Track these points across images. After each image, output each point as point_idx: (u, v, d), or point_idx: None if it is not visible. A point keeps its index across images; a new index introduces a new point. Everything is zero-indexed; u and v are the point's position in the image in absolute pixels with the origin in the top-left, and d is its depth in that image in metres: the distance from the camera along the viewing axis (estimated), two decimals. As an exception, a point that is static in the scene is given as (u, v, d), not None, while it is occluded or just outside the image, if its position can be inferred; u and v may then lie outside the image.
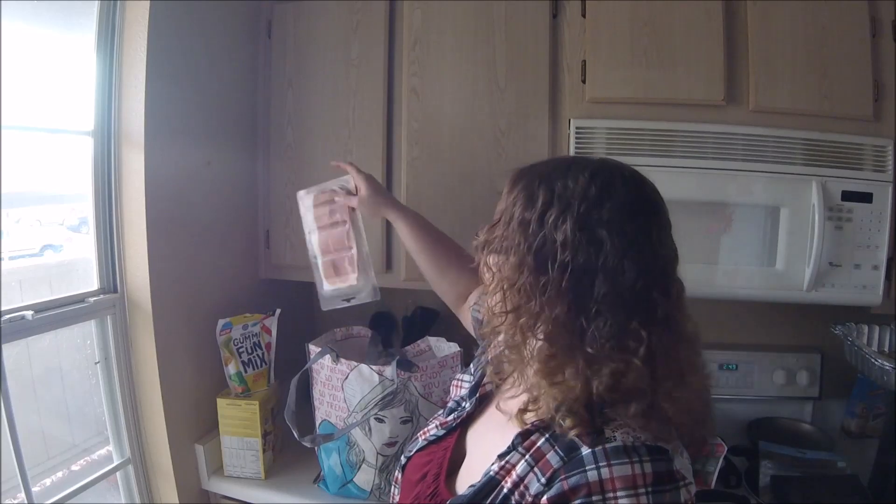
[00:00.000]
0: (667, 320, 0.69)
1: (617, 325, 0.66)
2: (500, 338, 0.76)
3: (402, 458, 0.92)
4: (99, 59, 1.35)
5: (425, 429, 0.93)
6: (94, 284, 1.40)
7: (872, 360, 1.44)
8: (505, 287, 0.73)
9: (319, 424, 1.49)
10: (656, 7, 1.46)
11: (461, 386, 0.96)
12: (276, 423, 1.58)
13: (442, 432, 0.89)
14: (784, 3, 1.43)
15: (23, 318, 1.20)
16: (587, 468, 0.64)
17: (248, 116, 1.71)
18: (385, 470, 1.42)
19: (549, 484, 0.66)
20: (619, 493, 0.62)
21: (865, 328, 1.63)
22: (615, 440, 0.65)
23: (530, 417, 0.72)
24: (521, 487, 0.68)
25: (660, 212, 0.74)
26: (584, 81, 1.51)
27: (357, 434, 1.42)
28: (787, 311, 1.73)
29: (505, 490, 0.69)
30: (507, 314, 0.73)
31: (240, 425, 1.51)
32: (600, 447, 0.64)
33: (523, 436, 0.72)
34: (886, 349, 1.62)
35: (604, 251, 0.67)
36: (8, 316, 1.17)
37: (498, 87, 1.54)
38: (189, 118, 1.49)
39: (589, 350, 0.67)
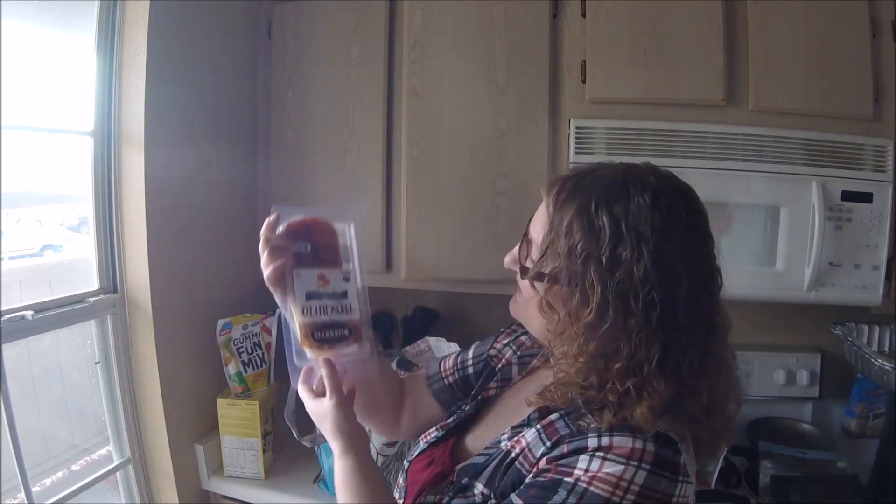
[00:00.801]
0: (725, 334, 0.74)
1: (702, 351, 0.68)
2: (580, 380, 0.69)
3: (405, 462, 0.92)
4: (99, 59, 1.35)
5: (426, 433, 0.93)
6: (94, 284, 1.40)
7: (872, 360, 1.44)
8: (585, 332, 0.67)
9: (319, 424, 1.49)
10: (656, 7, 1.46)
11: (463, 367, 0.99)
12: (276, 423, 1.58)
13: (441, 433, 0.90)
14: (784, 2, 1.43)
15: (23, 318, 1.20)
16: (590, 436, 0.66)
17: (248, 116, 1.71)
18: (385, 470, 1.42)
19: (552, 448, 0.69)
20: (609, 456, 0.62)
21: (865, 328, 1.63)
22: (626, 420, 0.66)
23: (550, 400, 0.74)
24: (526, 451, 0.71)
25: (708, 226, 0.73)
26: (584, 81, 1.51)
27: (357, 434, 1.42)
28: (787, 311, 1.73)
29: (512, 455, 0.72)
30: (593, 358, 0.68)
31: (240, 425, 1.51)
32: (609, 424, 0.66)
33: (541, 412, 0.74)
34: (886, 349, 1.63)
35: (683, 283, 0.67)
36: (8, 316, 1.17)
37: (498, 87, 1.54)
38: (189, 118, 1.49)
39: (688, 380, 0.67)
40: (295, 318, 0.79)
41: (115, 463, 1.43)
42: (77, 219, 1.48)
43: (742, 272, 1.46)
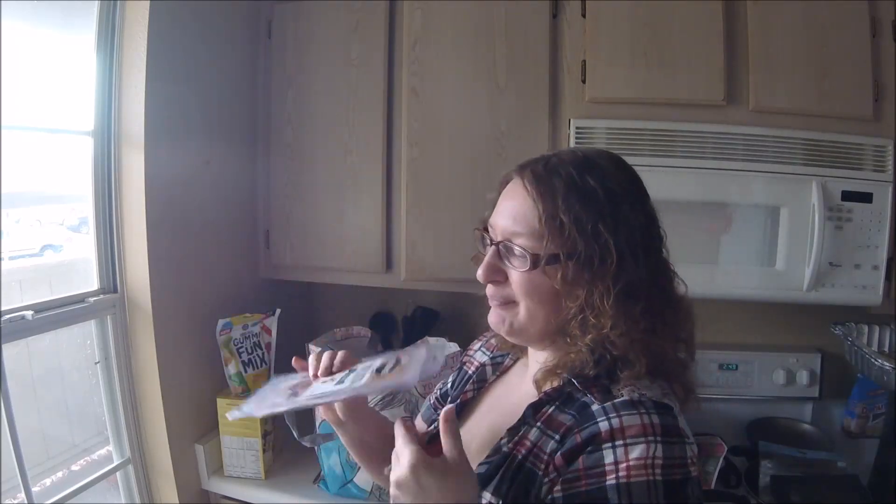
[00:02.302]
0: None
1: (667, 275, 0.76)
2: (612, 332, 0.70)
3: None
4: (99, 59, 1.35)
5: None
6: (94, 284, 1.40)
7: (872, 360, 1.45)
8: (610, 288, 0.70)
9: (319, 424, 1.49)
10: (656, 7, 1.46)
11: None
12: (276, 423, 1.58)
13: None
14: (784, 3, 1.43)
15: (23, 318, 1.20)
16: (598, 420, 0.66)
17: (248, 116, 1.71)
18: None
19: (562, 441, 0.68)
20: (628, 440, 0.64)
21: (865, 328, 1.63)
22: (622, 396, 0.68)
23: (553, 383, 0.74)
24: (535, 450, 0.70)
25: None
26: (584, 81, 1.51)
27: (357, 434, 1.42)
28: (787, 311, 1.73)
29: (519, 458, 0.71)
30: (623, 307, 0.70)
31: (240, 425, 1.51)
32: (609, 402, 0.67)
33: (535, 408, 0.74)
34: (886, 349, 1.63)
35: (655, 221, 0.75)
36: (8, 316, 1.17)
37: (498, 87, 1.54)
38: (189, 118, 1.49)
39: (675, 300, 0.75)
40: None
41: (115, 463, 1.43)
42: (77, 219, 1.48)
43: (742, 272, 1.46)
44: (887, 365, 1.40)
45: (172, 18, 1.39)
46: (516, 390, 0.84)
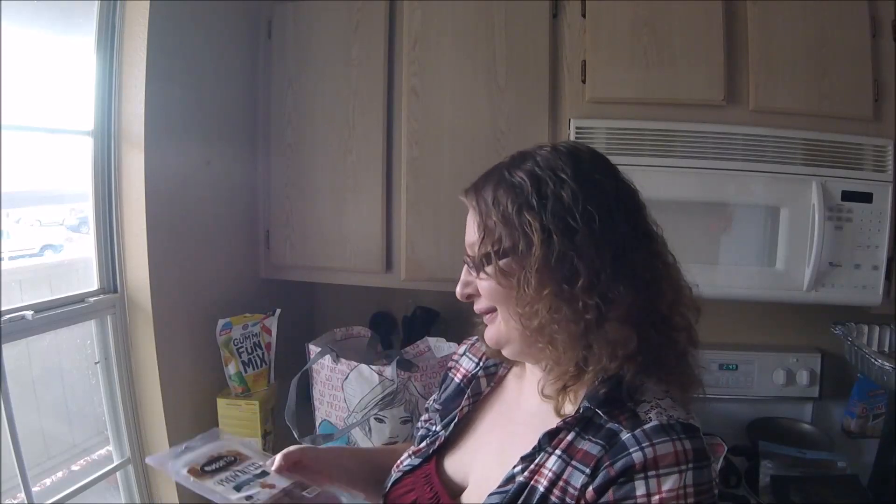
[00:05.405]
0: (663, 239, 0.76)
1: (648, 253, 0.72)
2: (553, 316, 0.68)
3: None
4: (99, 60, 1.35)
5: (398, 461, 0.89)
6: (94, 284, 1.40)
7: (872, 360, 1.45)
8: (539, 268, 0.68)
9: (319, 424, 1.49)
10: (656, 7, 1.46)
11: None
12: (276, 423, 1.58)
13: (417, 461, 0.85)
14: (784, 3, 1.43)
15: (23, 318, 1.19)
16: (631, 450, 0.63)
17: (248, 116, 1.71)
18: None
19: (593, 474, 0.65)
20: (661, 471, 0.62)
21: (865, 328, 1.63)
22: (651, 420, 0.65)
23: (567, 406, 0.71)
24: (561, 483, 0.66)
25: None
26: (584, 81, 1.51)
27: (357, 434, 1.42)
28: (787, 311, 1.73)
29: (541, 490, 0.67)
30: (558, 287, 0.68)
31: (240, 425, 1.51)
32: (639, 429, 0.64)
33: (550, 435, 0.70)
34: (886, 349, 1.63)
35: (610, 196, 0.70)
36: (8, 316, 1.17)
37: (498, 87, 1.54)
38: (189, 118, 1.49)
39: (645, 279, 0.70)
40: None
41: (115, 463, 1.43)
42: (77, 219, 1.47)
43: (742, 272, 1.46)
44: (887, 365, 1.40)
45: (172, 18, 1.39)
46: (516, 405, 0.81)
